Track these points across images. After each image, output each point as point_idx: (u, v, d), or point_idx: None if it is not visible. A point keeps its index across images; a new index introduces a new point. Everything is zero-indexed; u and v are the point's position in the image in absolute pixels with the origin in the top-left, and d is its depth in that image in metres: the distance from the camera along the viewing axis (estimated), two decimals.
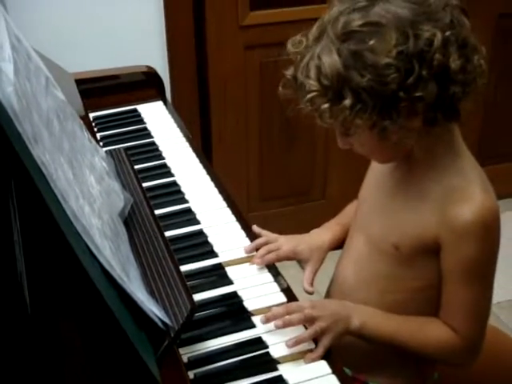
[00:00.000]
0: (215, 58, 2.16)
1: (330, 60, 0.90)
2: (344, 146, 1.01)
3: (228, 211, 1.28)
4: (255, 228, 1.20)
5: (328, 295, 1.22)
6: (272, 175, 2.45)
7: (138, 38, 2.13)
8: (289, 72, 0.98)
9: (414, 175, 1.05)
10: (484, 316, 1.05)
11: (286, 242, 1.18)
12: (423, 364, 1.17)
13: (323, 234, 1.22)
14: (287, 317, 0.99)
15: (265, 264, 1.14)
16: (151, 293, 0.89)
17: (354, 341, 1.07)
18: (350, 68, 0.89)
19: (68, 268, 0.69)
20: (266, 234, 1.19)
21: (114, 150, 1.24)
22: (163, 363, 0.83)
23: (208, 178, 1.39)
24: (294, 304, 1.04)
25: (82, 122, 1.10)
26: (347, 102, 0.90)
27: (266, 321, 1.00)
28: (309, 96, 0.93)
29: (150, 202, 1.10)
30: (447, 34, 0.90)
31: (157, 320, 0.84)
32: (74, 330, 0.69)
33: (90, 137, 1.11)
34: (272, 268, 1.15)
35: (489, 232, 0.98)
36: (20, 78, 0.74)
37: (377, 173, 1.13)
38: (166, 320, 0.85)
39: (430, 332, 1.05)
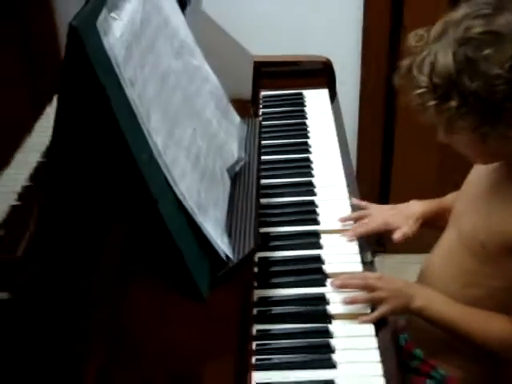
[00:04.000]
0: None
1: (445, 61, 0.98)
2: (443, 140, 1.08)
3: (345, 189, 1.40)
4: (354, 200, 1.31)
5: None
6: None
7: (335, 32, 2.28)
8: (405, 62, 1.07)
9: (509, 180, 1.09)
10: None
11: (379, 214, 1.27)
12: (500, 364, 1.19)
13: (418, 205, 1.29)
14: (348, 278, 1.10)
15: (355, 236, 1.24)
16: (227, 229, 1.06)
17: (430, 326, 1.14)
18: (462, 72, 0.96)
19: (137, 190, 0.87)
20: (365, 206, 1.30)
21: (252, 119, 1.41)
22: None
23: (340, 162, 1.51)
24: (362, 273, 1.14)
25: (220, 90, 1.29)
26: (453, 103, 0.98)
27: (334, 285, 1.12)
28: (419, 91, 1.02)
29: (261, 171, 1.25)
30: None
31: (220, 251, 1.00)
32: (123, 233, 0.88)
33: (227, 104, 1.30)
34: (364, 242, 1.25)
35: None
36: (137, 38, 0.94)
37: (478, 173, 1.18)
38: (228, 253, 1.01)
39: (494, 324, 1.09)
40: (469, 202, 1.17)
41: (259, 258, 1.22)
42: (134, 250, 0.89)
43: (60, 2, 0.97)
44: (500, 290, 1.11)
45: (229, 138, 1.24)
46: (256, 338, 1.05)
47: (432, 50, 1.01)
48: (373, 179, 2.43)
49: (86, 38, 0.81)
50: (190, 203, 0.97)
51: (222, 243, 1.02)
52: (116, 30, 0.89)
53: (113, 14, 0.90)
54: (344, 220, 1.28)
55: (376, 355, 1.01)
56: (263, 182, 1.43)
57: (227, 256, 1.02)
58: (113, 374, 0.77)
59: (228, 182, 1.18)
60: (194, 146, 1.06)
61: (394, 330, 1.31)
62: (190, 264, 0.93)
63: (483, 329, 1.10)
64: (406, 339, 1.28)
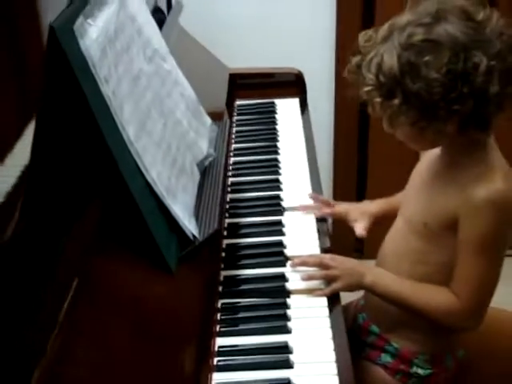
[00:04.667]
0: None
1: (390, 62, 1.11)
2: (387, 131, 1.21)
3: (309, 185, 1.53)
4: (312, 194, 1.45)
5: None
6: None
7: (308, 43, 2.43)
8: (354, 60, 1.20)
9: (449, 167, 1.23)
10: (486, 287, 1.19)
11: (341, 204, 1.42)
12: (446, 336, 1.31)
13: (371, 204, 1.45)
14: (305, 257, 1.23)
15: (320, 215, 1.39)
16: (195, 215, 1.18)
17: (384, 304, 1.27)
18: (405, 74, 1.10)
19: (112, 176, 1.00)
20: (323, 199, 1.44)
21: (223, 122, 1.54)
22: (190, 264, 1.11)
23: (307, 162, 1.64)
24: (318, 254, 1.27)
25: (191, 93, 1.42)
26: (396, 101, 1.11)
27: (292, 264, 1.25)
28: (366, 88, 1.16)
29: (229, 167, 1.38)
30: (493, 62, 1.07)
31: (187, 231, 1.13)
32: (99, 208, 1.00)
33: (198, 107, 1.43)
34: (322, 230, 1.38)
35: (499, 212, 1.13)
36: (112, 42, 1.08)
37: (423, 165, 1.32)
38: (195, 233, 1.13)
39: (433, 295, 1.21)
40: (414, 190, 1.30)
41: (227, 245, 1.34)
42: (109, 225, 1.01)
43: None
44: (444, 265, 1.23)
45: (199, 136, 1.38)
46: (220, 310, 1.17)
47: (379, 51, 1.14)
48: (349, 179, 2.56)
49: (63, 38, 0.94)
50: (160, 188, 1.10)
51: (189, 224, 1.14)
52: (91, 33, 1.02)
53: (89, 20, 1.04)
54: (312, 197, 1.44)
55: (327, 322, 1.13)
56: (234, 179, 1.57)
57: (194, 236, 1.14)
58: (80, 336, 0.87)
59: (197, 175, 1.31)
60: (164, 140, 1.19)
61: (355, 310, 1.44)
62: (159, 240, 1.06)
63: (426, 301, 1.22)
64: (364, 318, 1.40)
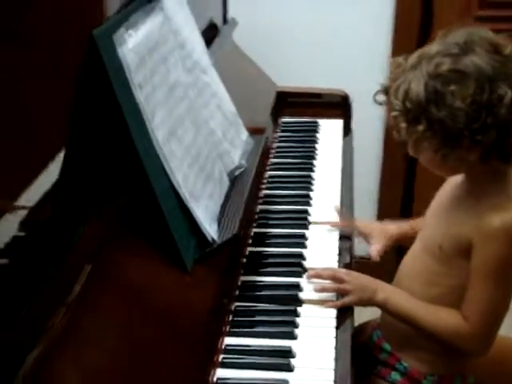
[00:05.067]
0: None
1: (417, 90, 1.16)
2: (412, 154, 1.25)
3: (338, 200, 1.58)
4: (336, 207, 1.50)
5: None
6: None
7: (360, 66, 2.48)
8: (385, 84, 1.25)
9: (468, 194, 1.26)
10: (495, 313, 1.21)
11: (362, 221, 1.48)
12: (456, 359, 1.33)
13: (392, 226, 1.48)
14: (321, 269, 1.28)
15: (343, 227, 1.44)
16: (218, 221, 1.25)
17: (396, 322, 1.31)
18: (431, 102, 1.14)
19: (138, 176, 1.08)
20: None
21: (263, 136, 1.61)
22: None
23: (340, 180, 1.69)
24: (334, 267, 1.31)
25: (230, 106, 1.50)
26: (421, 127, 1.16)
27: (308, 275, 1.30)
28: (392, 113, 1.21)
29: (260, 178, 1.45)
30: None
31: (207, 234, 1.19)
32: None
33: (236, 119, 1.51)
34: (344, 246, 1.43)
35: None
36: (151, 52, 1.16)
37: (444, 190, 1.35)
38: (215, 237, 1.20)
39: (443, 317, 1.24)
40: (433, 213, 1.33)
41: (250, 252, 1.40)
42: (132, 221, 1.09)
43: None
44: (456, 288, 1.26)
45: (232, 147, 1.45)
46: (233, 312, 1.23)
47: (407, 79, 1.18)
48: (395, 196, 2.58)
49: (101, 45, 1.02)
50: (184, 191, 1.17)
51: (209, 228, 1.21)
52: (130, 43, 1.10)
53: (130, 31, 1.12)
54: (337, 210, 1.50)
55: (332, 332, 1.18)
56: (267, 192, 1.63)
57: (214, 240, 1.21)
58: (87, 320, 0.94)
59: (226, 183, 1.38)
60: (194, 147, 1.26)
61: (371, 328, 1.48)
62: (178, 238, 1.13)
63: (435, 321, 1.25)
64: (378, 335, 1.43)
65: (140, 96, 1.11)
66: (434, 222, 1.31)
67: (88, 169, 1.07)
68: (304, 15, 2.42)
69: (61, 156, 1.01)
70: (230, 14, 2.14)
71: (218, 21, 2.05)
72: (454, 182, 1.32)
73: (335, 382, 1.09)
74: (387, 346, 1.40)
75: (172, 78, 1.25)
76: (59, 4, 1.02)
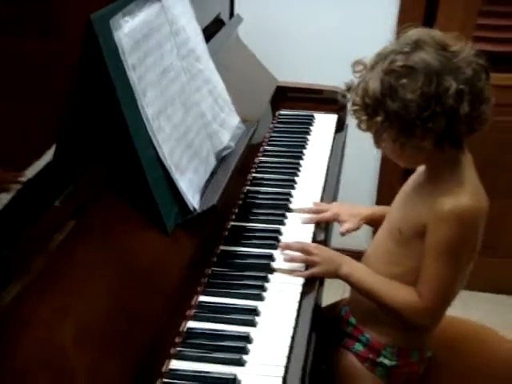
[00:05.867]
0: None
1: (374, 86, 1.29)
2: (376, 147, 1.38)
3: (320, 189, 1.71)
4: (315, 203, 1.63)
5: None
6: None
7: None
8: (347, 83, 1.39)
9: (427, 181, 1.38)
10: (445, 290, 1.33)
11: (333, 208, 1.58)
12: (414, 334, 1.45)
13: (363, 209, 1.61)
14: (291, 242, 1.40)
15: (311, 222, 1.56)
16: (201, 193, 1.39)
17: (361, 298, 1.43)
18: (386, 95, 1.27)
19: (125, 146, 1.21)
20: (325, 206, 1.61)
21: (253, 123, 1.73)
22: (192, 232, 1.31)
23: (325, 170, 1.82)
24: (304, 241, 1.44)
25: (223, 92, 1.63)
26: (379, 118, 1.29)
27: (280, 247, 1.43)
28: (353, 108, 1.34)
29: (240, 161, 1.56)
30: (462, 86, 1.23)
31: (189, 203, 1.33)
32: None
33: (228, 105, 1.64)
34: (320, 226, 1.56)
35: (462, 223, 1.28)
36: (145, 38, 1.30)
37: (410, 179, 1.48)
38: (196, 207, 1.34)
39: (400, 293, 1.36)
40: (398, 199, 1.46)
41: (233, 226, 1.54)
42: (118, 185, 1.22)
43: None
44: (414, 268, 1.37)
45: (222, 129, 1.58)
46: (210, 276, 1.36)
47: (366, 78, 1.32)
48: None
49: (98, 29, 1.16)
50: (169, 163, 1.31)
51: (192, 199, 1.35)
52: (125, 28, 1.24)
53: (126, 18, 1.26)
54: (304, 211, 1.60)
55: (297, 297, 1.31)
56: (256, 175, 1.77)
57: (195, 209, 1.34)
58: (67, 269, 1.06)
59: (213, 162, 1.51)
60: (183, 125, 1.40)
61: (342, 305, 1.60)
62: (160, 204, 1.26)
63: (391, 296, 1.36)
64: (346, 310, 1.56)
65: (133, 76, 1.25)
66: (397, 208, 1.44)
67: (83, 133, 1.20)
68: (305, 14, 2.57)
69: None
70: (238, 11, 2.28)
71: (225, 16, 2.18)
72: (419, 171, 1.44)
73: (293, 337, 1.21)
74: (353, 320, 1.52)
75: (165, 62, 1.39)
76: None
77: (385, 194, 2.70)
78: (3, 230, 0.97)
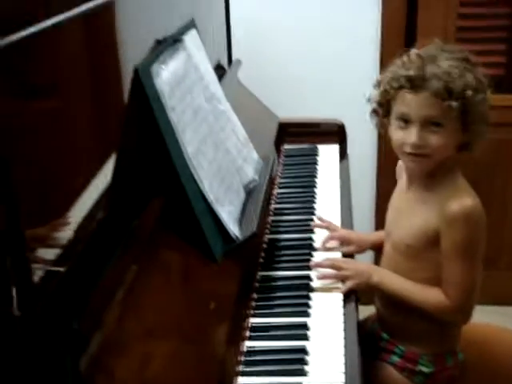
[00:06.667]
0: None
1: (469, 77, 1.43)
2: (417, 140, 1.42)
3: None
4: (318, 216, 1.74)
5: None
6: None
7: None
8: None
9: (424, 191, 1.50)
10: (469, 286, 1.43)
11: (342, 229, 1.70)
12: (445, 339, 1.55)
13: (370, 235, 1.74)
14: (320, 261, 1.50)
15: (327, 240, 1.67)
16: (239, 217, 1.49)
17: (389, 316, 1.54)
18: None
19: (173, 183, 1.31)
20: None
21: (271, 158, 1.84)
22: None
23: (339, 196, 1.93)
24: (333, 257, 1.54)
25: (242, 131, 1.74)
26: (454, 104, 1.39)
27: (311, 266, 1.53)
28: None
29: (267, 192, 1.67)
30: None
31: (231, 232, 1.42)
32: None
33: (247, 142, 1.75)
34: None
35: (472, 222, 1.40)
36: (178, 83, 1.41)
37: (394, 199, 1.60)
38: (238, 235, 1.43)
39: (429, 294, 1.47)
40: (394, 218, 1.57)
41: (267, 253, 1.63)
42: (170, 220, 1.32)
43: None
44: (426, 280, 1.48)
45: (246, 164, 1.69)
46: (256, 300, 1.45)
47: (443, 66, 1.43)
48: None
49: (143, 77, 1.27)
50: (210, 195, 1.41)
51: (233, 228, 1.44)
52: (164, 75, 1.35)
53: (162, 66, 1.37)
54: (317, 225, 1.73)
55: (341, 311, 1.40)
56: (276, 206, 1.87)
57: (237, 237, 1.44)
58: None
59: (243, 195, 1.61)
60: (215, 161, 1.50)
61: (371, 322, 1.69)
62: (208, 235, 1.35)
63: (422, 298, 1.47)
64: (376, 327, 1.65)
65: (173, 117, 1.35)
66: (398, 224, 1.54)
67: (134, 177, 1.30)
68: (297, 50, 2.73)
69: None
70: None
71: (224, 61, 2.31)
72: (399, 192, 1.57)
73: (345, 346, 1.30)
74: (385, 335, 1.61)
75: (195, 104, 1.50)
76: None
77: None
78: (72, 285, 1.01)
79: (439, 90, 1.36)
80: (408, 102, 1.40)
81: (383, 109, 1.49)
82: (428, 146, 1.41)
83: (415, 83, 1.38)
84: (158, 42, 1.44)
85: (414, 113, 1.39)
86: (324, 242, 1.66)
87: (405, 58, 1.45)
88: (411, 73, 1.39)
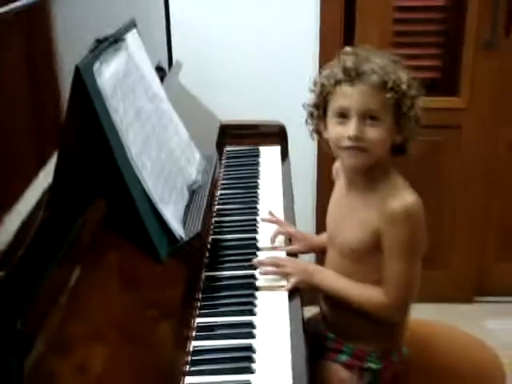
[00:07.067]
0: None
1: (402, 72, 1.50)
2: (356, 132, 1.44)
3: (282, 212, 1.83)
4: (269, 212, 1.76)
5: None
6: None
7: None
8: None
9: (362, 192, 1.52)
10: (407, 286, 1.46)
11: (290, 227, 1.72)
12: (393, 335, 1.58)
13: (314, 237, 1.79)
14: (262, 259, 1.51)
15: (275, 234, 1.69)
16: (183, 218, 1.48)
17: (335, 316, 1.56)
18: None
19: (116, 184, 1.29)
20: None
21: (211, 158, 1.85)
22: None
23: (282, 195, 1.94)
24: (278, 256, 1.55)
25: (184, 131, 1.74)
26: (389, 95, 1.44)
27: (254, 264, 1.54)
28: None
29: (210, 193, 1.67)
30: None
31: (175, 232, 1.41)
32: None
33: (190, 142, 1.74)
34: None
35: (412, 219, 1.43)
36: (120, 82, 1.40)
37: (336, 202, 1.62)
38: (182, 235, 1.42)
39: (367, 292, 1.49)
40: (336, 223, 1.60)
41: (211, 252, 1.63)
42: (113, 220, 1.30)
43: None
44: (374, 282, 1.50)
45: (189, 164, 1.68)
46: (201, 300, 1.45)
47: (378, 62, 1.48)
48: None
49: (85, 76, 1.25)
50: (155, 196, 1.40)
51: (177, 228, 1.43)
52: (105, 74, 1.33)
53: (104, 64, 1.35)
54: (271, 221, 1.74)
55: (286, 306, 1.41)
56: (219, 207, 1.87)
57: (181, 237, 1.43)
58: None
59: (186, 194, 1.60)
60: (159, 162, 1.49)
61: (315, 321, 1.71)
62: (153, 235, 1.34)
63: (360, 297, 1.50)
64: (321, 327, 1.67)
65: (116, 118, 1.34)
66: (341, 229, 1.56)
67: (77, 177, 1.28)
68: (238, 52, 2.75)
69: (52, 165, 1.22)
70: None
71: (165, 63, 2.30)
72: (339, 197, 1.60)
73: (291, 341, 1.31)
74: (331, 335, 1.63)
75: (138, 104, 1.49)
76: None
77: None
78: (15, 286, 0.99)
79: (376, 83, 1.40)
80: (346, 95, 1.43)
81: (320, 110, 1.51)
82: (366, 139, 1.43)
83: (352, 74, 1.42)
84: (99, 41, 1.42)
85: (352, 105, 1.42)
86: (272, 237, 1.67)
87: (340, 56, 1.48)
88: (348, 64, 1.43)
